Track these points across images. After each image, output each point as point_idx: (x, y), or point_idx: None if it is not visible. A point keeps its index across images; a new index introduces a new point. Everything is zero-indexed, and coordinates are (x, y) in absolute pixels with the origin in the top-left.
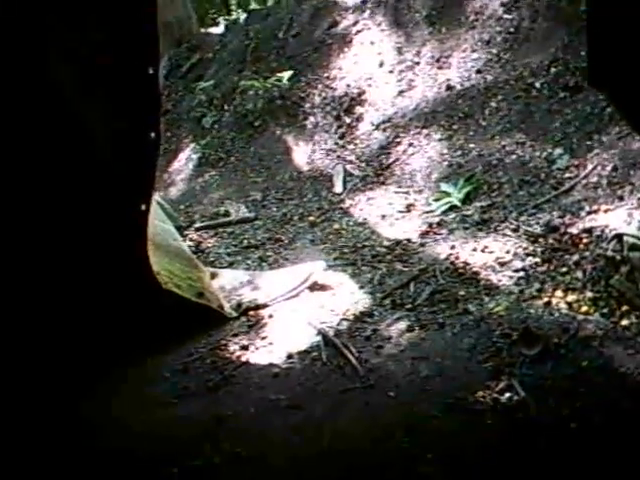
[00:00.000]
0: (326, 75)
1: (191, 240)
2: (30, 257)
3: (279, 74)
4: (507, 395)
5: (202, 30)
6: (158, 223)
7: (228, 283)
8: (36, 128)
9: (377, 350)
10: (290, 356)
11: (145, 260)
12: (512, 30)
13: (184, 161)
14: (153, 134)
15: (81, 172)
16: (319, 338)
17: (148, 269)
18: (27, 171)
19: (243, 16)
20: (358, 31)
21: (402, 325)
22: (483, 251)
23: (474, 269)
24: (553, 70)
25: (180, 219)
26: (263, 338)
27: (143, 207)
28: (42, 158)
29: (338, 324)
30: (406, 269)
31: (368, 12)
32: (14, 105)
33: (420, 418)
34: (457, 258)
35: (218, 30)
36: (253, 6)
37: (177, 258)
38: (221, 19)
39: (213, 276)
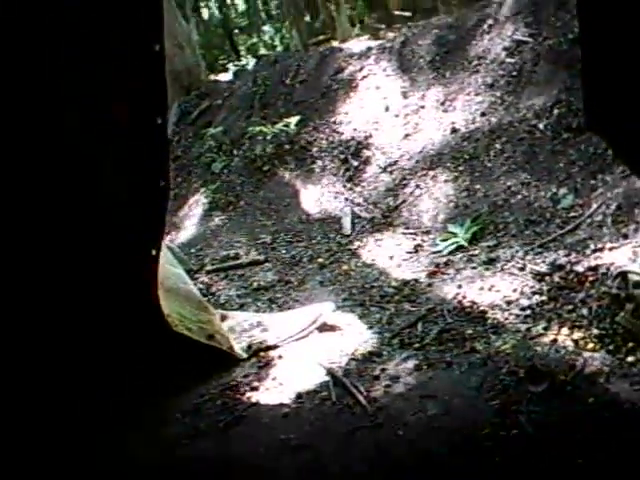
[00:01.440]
0: (333, 120)
1: (202, 283)
2: (45, 303)
3: (287, 119)
4: (514, 432)
5: (211, 77)
6: (168, 267)
7: (238, 325)
8: (51, 177)
9: (385, 389)
10: (299, 396)
11: (156, 304)
12: (515, 73)
13: (194, 205)
14: (163, 182)
15: (93, 219)
16: (328, 378)
17: (159, 312)
18: (41, 220)
19: (252, 62)
20: (364, 76)
21: (410, 364)
22: (490, 290)
23: (481, 308)
24: (556, 112)
25: (190, 262)
26: (273, 379)
27: (154, 252)
28: (56, 207)
29: (347, 364)
30: (414, 309)
31: (373, 58)
32: (32, 154)
33: (428, 456)
34: (464, 297)
35: (227, 77)
36: (262, 51)
37: (187, 301)
38: (231, 65)
39: (223, 318)
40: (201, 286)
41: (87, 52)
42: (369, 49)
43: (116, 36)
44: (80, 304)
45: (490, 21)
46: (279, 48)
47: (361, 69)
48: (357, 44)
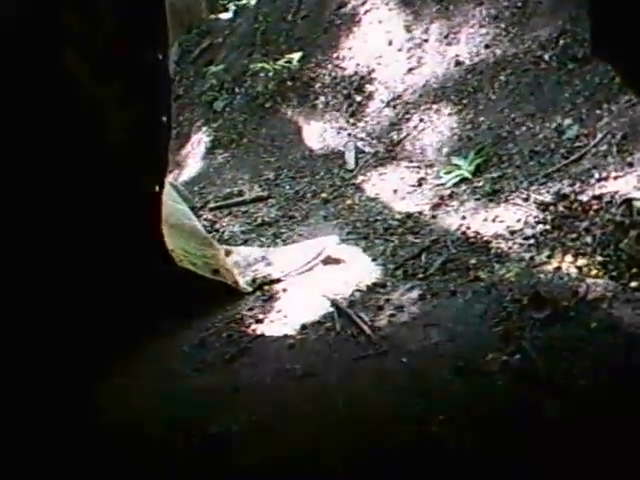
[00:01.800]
0: (335, 55)
1: (206, 220)
2: (47, 239)
3: (289, 55)
4: (517, 357)
5: (212, 16)
6: (172, 204)
7: (242, 259)
8: (53, 119)
9: (390, 319)
10: (304, 327)
11: (160, 239)
12: (519, 5)
13: (196, 144)
14: (165, 118)
15: (96, 156)
16: (332, 309)
17: (163, 248)
18: (43, 157)
19: (253, 1)
20: (366, 11)
21: (414, 294)
22: (494, 221)
23: (485, 238)
24: (561, 42)
25: (194, 200)
26: (278, 311)
27: (157, 188)
28: (58, 146)
29: (351, 295)
30: (418, 240)
31: None
32: (32, 99)
33: (432, 382)
34: (468, 228)
35: (228, 15)
36: None
37: (192, 237)
38: (231, 4)
39: (228, 253)
40: (205, 223)
41: None
42: None
43: None
44: (83, 241)
45: None
46: None
47: (364, 3)
48: None
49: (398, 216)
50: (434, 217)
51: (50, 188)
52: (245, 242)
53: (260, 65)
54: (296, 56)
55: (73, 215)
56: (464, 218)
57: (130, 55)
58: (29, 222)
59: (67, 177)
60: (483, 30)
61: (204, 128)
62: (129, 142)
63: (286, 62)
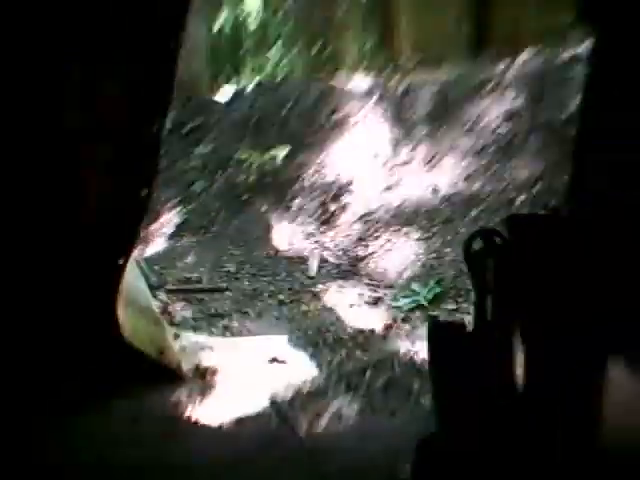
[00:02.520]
0: (319, 160)
1: (160, 301)
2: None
3: (275, 150)
4: None
5: (211, 96)
6: (132, 280)
7: (190, 345)
8: (42, 169)
9: (327, 426)
10: (240, 421)
11: (113, 311)
12: (504, 143)
13: (166, 223)
14: (146, 191)
15: (71, 219)
16: (270, 409)
17: (114, 321)
18: (24, 211)
19: (252, 85)
20: (357, 121)
21: (353, 408)
22: None
23: None
24: (536, 189)
25: (153, 279)
26: (216, 400)
27: (121, 261)
28: (42, 199)
29: (292, 398)
30: (365, 357)
31: (373, 101)
32: (27, 146)
33: None
34: (416, 354)
35: (225, 98)
36: (268, 70)
37: (144, 315)
38: (227, 86)
39: (176, 337)
40: (159, 303)
41: (98, 44)
42: (371, 92)
43: (134, 28)
44: (44, 297)
45: (495, 82)
46: (285, 69)
47: (359, 111)
48: (361, 83)
49: (350, 330)
50: (384, 337)
51: (20, 243)
52: (195, 329)
53: (245, 155)
54: (282, 152)
55: (36, 270)
56: (413, 343)
57: (130, 119)
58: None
59: (39, 232)
60: (465, 162)
61: (177, 208)
62: (105, 210)
63: (271, 157)
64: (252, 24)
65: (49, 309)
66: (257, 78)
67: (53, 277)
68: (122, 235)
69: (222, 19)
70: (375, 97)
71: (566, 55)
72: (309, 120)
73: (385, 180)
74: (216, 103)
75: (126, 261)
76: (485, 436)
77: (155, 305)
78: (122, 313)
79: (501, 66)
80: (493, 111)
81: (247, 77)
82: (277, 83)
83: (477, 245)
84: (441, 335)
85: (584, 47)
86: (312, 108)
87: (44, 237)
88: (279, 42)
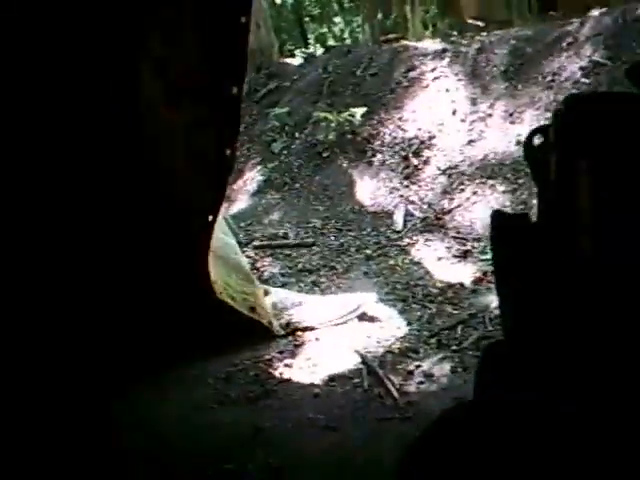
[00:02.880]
0: (398, 116)
1: (248, 257)
2: (96, 254)
3: (353, 109)
4: None
5: (282, 60)
6: (222, 236)
7: (280, 302)
8: (126, 137)
9: (419, 386)
10: (332, 379)
11: (205, 268)
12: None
13: (249, 181)
14: (229, 151)
15: (158, 180)
16: (362, 366)
17: (206, 277)
18: (112, 175)
19: (320, 51)
20: (435, 77)
21: (446, 365)
22: None
23: None
24: None
25: (240, 235)
26: (307, 359)
27: (210, 218)
28: (128, 165)
29: (382, 355)
30: (456, 312)
31: (447, 60)
32: (110, 116)
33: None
34: None
35: (296, 61)
36: (331, 42)
37: (235, 271)
38: (298, 51)
39: (266, 293)
40: (247, 260)
41: (174, 19)
42: (444, 51)
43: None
44: (135, 259)
45: (569, 39)
46: (348, 41)
47: (433, 70)
48: (432, 45)
49: (439, 284)
50: (475, 291)
51: (110, 205)
52: (283, 285)
53: (323, 114)
54: (360, 111)
55: (130, 233)
56: None
57: (208, 85)
58: (83, 235)
59: (128, 197)
60: (548, 114)
61: (259, 167)
62: (191, 170)
63: (349, 115)
64: None
65: (141, 271)
66: (329, 43)
67: (144, 239)
68: (210, 193)
69: None
70: (450, 55)
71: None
72: (385, 79)
73: (466, 134)
74: (289, 66)
75: (215, 219)
76: (553, 333)
77: (245, 262)
78: (213, 270)
79: (575, 24)
80: (572, 65)
81: (313, 45)
82: (349, 47)
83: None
84: (504, 226)
85: None
86: (387, 67)
87: (130, 201)
88: (342, 10)
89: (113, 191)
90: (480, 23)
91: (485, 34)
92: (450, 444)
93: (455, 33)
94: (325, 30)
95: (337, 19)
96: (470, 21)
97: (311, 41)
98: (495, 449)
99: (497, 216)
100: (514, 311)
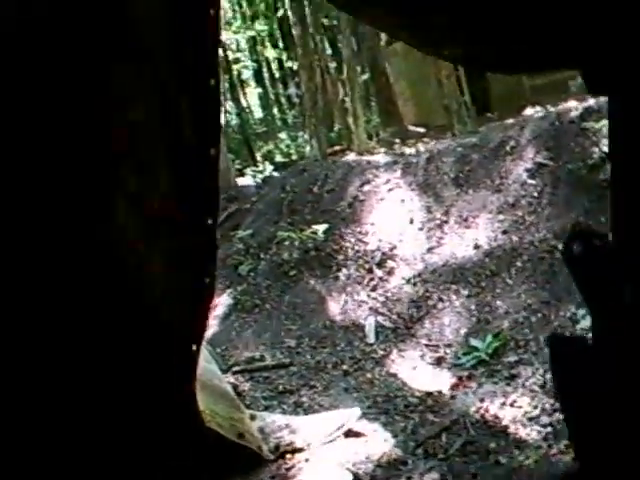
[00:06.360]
0: (359, 230)
1: (228, 383)
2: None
3: (314, 227)
4: None
5: (239, 182)
6: (205, 364)
7: (267, 426)
8: (98, 271)
9: None
10: None
11: (193, 398)
12: (535, 195)
13: (220, 305)
14: (208, 279)
15: (141, 313)
16: None
17: (194, 407)
18: (92, 312)
19: (269, 168)
20: (390, 189)
21: (435, 475)
22: (512, 405)
23: (504, 422)
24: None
25: (219, 361)
26: None
27: (194, 347)
28: (103, 302)
29: (373, 470)
30: (437, 420)
31: (399, 172)
32: (78, 244)
33: None
34: (487, 411)
35: (251, 181)
36: (278, 158)
37: (221, 398)
38: (248, 170)
39: (253, 418)
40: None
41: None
42: (395, 163)
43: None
44: (118, 394)
45: (512, 143)
46: (294, 156)
47: (387, 182)
48: (382, 157)
49: (418, 394)
50: (453, 397)
51: (89, 339)
52: (267, 408)
53: (286, 234)
54: (321, 227)
55: (111, 369)
56: (482, 400)
57: (183, 217)
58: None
59: (107, 331)
60: (501, 216)
61: (228, 290)
62: (173, 300)
63: (312, 233)
64: (257, 112)
65: (125, 405)
66: (276, 160)
67: (129, 371)
68: (193, 324)
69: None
70: (401, 166)
71: (572, 109)
72: (341, 195)
73: (425, 242)
74: (247, 187)
75: (199, 348)
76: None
77: (229, 387)
78: (200, 398)
79: (516, 128)
80: (518, 167)
81: (262, 163)
82: (304, 165)
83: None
84: (563, 351)
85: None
86: (342, 182)
87: (109, 335)
88: (287, 127)
89: (93, 327)
90: (421, 129)
91: (428, 140)
92: None
93: (398, 140)
94: (272, 147)
95: (282, 135)
96: (411, 128)
97: (259, 159)
98: None
99: (555, 341)
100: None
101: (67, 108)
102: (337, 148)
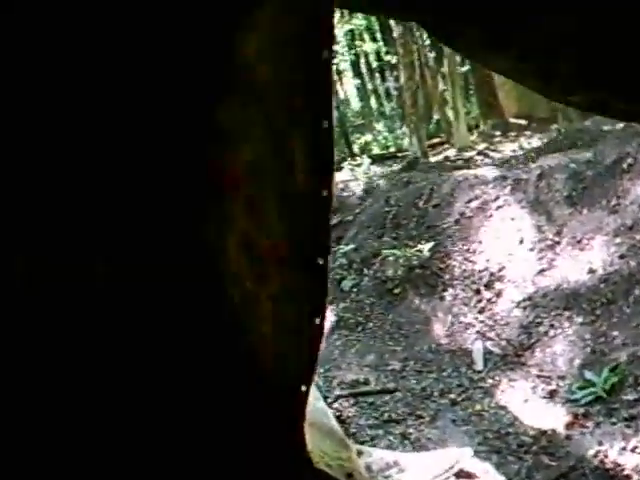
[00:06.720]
0: (466, 248)
1: (332, 409)
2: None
3: (420, 245)
4: None
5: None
6: (313, 401)
7: (374, 463)
8: (216, 320)
9: None
10: None
11: (302, 440)
12: None
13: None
14: (318, 320)
15: (245, 353)
16: None
17: (305, 449)
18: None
19: (367, 161)
20: (498, 207)
21: None
22: (633, 451)
23: (625, 472)
24: None
25: (320, 383)
26: None
27: (304, 388)
28: (210, 340)
29: None
30: (553, 463)
31: (509, 188)
32: (195, 296)
33: None
34: (606, 456)
35: (357, 193)
36: (375, 150)
37: (329, 437)
38: (345, 164)
39: (360, 453)
40: (333, 412)
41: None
42: (504, 178)
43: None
44: (227, 435)
45: (630, 160)
46: (392, 148)
47: (496, 198)
48: (491, 172)
49: (531, 431)
50: (568, 437)
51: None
52: (372, 439)
53: (391, 251)
54: (427, 246)
55: (221, 409)
56: (601, 444)
57: (294, 257)
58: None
59: (223, 372)
60: (617, 239)
61: (330, 307)
62: (284, 347)
63: (417, 251)
64: (355, 104)
65: (235, 450)
66: (374, 152)
67: (239, 412)
68: (304, 365)
69: None
70: (511, 182)
71: None
72: (447, 211)
73: (536, 263)
74: (350, 198)
75: (308, 389)
76: None
77: (337, 424)
78: (308, 438)
79: (633, 143)
80: (636, 187)
81: (359, 156)
82: (409, 177)
83: None
84: None
85: None
86: (449, 197)
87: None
88: (384, 118)
89: (197, 367)
90: (523, 121)
91: (529, 133)
92: None
93: (498, 133)
94: (369, 139)
95: (380, 127)
96: (512, 120)
97: (356, 150)
98: None
99: None
100: None
101: (183, 141)
102: (436, 141)
